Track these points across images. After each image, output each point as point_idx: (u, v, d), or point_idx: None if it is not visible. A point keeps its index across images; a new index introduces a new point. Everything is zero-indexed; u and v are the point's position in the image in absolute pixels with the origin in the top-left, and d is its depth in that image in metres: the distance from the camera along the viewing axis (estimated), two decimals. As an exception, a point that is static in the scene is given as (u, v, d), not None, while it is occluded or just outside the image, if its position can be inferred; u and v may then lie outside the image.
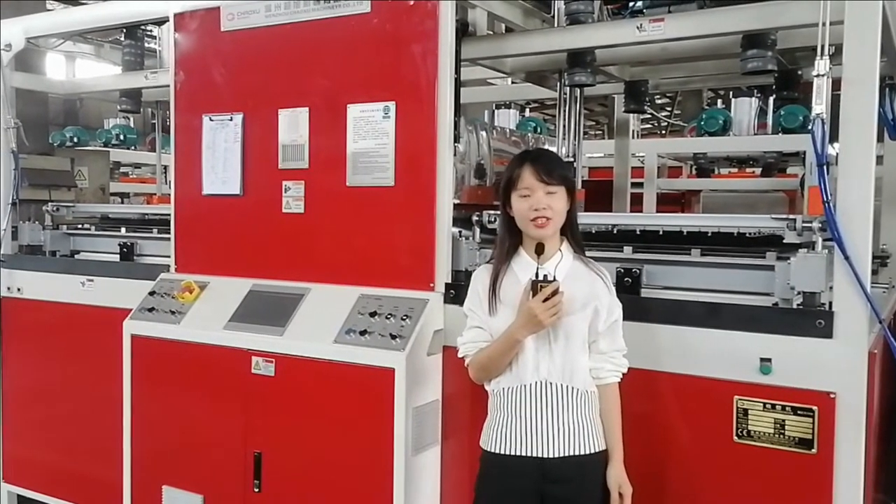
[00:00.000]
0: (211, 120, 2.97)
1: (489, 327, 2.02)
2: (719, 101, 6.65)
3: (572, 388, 1.96)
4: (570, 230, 2.04)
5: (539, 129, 5.63)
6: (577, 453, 1.94)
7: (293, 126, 2.77)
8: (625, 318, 2.23)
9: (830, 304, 2.07)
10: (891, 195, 3.43)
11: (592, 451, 1.97)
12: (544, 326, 1.90)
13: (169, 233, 3.14)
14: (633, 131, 5.34)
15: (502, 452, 1.98)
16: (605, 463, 2.00)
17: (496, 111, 5.97)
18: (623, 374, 2.05)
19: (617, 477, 1.99)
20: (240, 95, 2.92)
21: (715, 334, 2.17)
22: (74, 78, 9.25)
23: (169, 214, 3.14)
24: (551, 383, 1.96)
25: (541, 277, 1.89)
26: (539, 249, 1.94)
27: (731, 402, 2.13)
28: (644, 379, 2.26)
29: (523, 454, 1.95)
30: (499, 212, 2.12)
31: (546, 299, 1.86)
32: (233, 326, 2.73)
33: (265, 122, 2.83)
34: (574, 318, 1.95)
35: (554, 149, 3.69)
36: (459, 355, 2.12)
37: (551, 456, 1.94)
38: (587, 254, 2.10)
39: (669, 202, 6.84)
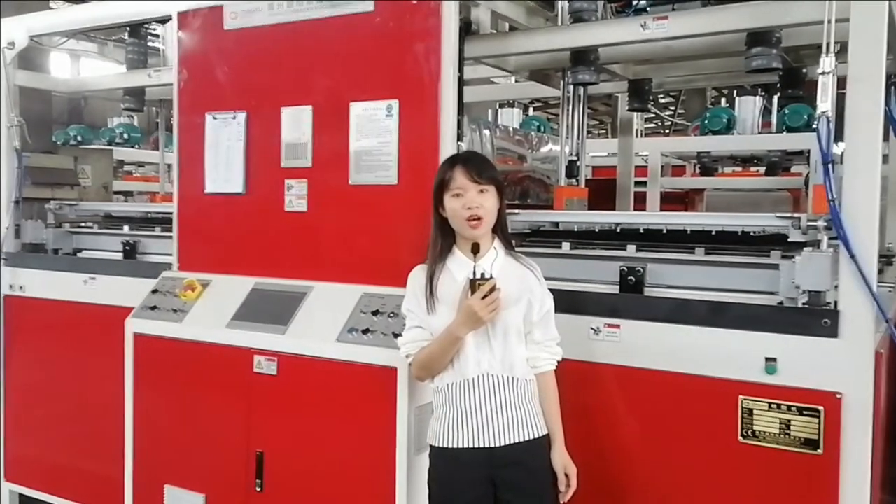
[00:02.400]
0: (214, 118, 2.97)
1: (429, 326, 2.09)
2: (723, 100, 6.62)
3: (513, 378, 2.05)
4: (500, 228, 2.14)
5: (542, 128, 5.62)
6: (522, 439, 2.03)
7: (296, 124, 2.76)
8: (629, 316, 2.22)
9: (836, 303, 2.05)
10: (896, 194, 3.41)
11: (537, 436, 2.06)
12: (484, 323, 1.99)
13: (171, 231, 3.14)
14: (636, 130, 5.32)
15: (452, 446, 2.04)
16: (548, 446, 2.08)
17: (499, 110, 5.96)
18: (558, 362, 2.13)
19: (561, 459, 2.09)
20: (243, 94, 2.91)
21: (719, 333, 2.16)
22: (78, 76, 9.28)
23: (171, 213, 3.13)
24: (493, 375, 2.05)
25: (478, 276, 1.97)
26: (475, 249, 2.02)
27: (735, 401, 2.12)
28: (648, 378, 2.25)
29: (472, 446, 2.02)
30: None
31: (484, 296, 1.94)
32: (235, 325, 2.73)
33: (268, 120, 2.83)
34: (510, 312, 2.04)
35: (558, 147, 3.68)
36: (401, 355, 2.18)
37: (499, 444, 2.01)
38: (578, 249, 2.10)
39: (673, 201, 6.81)
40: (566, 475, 2.08)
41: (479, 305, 1.94)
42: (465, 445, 2.03)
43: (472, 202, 2.03)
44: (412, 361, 2.13)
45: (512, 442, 2.02)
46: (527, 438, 2.03)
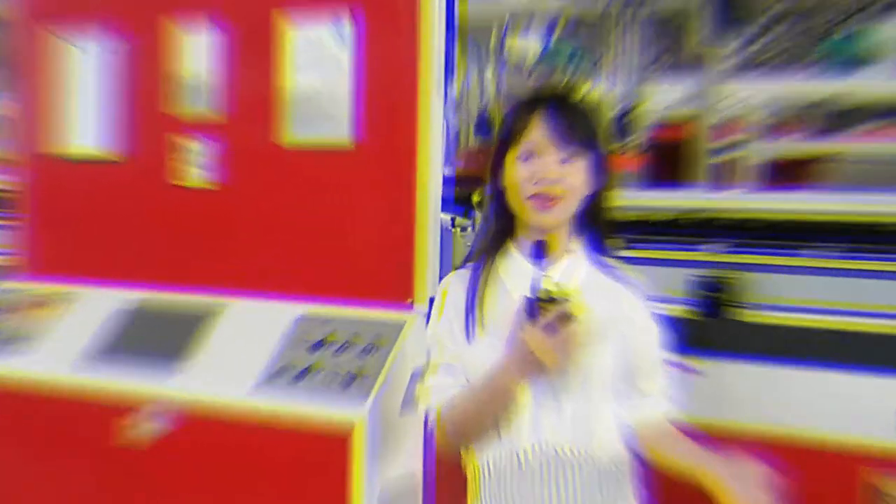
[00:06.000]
0: (67, 43, 2.97)
1: (464, 362, 1.96)
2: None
3: (591, 458, 1.90)
4: (591, 220, 1.98)
5: (576, 60, 5.64)
6: None
7: (194, 52, 2.78)
8: (705, 349, 2.22)
9: None
10: None
11: None
12: (548, 371, 1.81)
13: (8, 216, 3.15)
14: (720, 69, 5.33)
15: None
16: None
17: (511, 33, 5.99)
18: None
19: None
20: (110, 3, 2.92)
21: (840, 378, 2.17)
22: None
23: (10, 190, 3.14)
24: (559, 451, 1.90)
25: (542, 294, 1.78)
26: (541, 248, 1.86)
27: (854, 475, 2.15)
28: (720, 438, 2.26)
29: None
30: None
31: (551, 326, 1.77)
32: (106, 361, 2.73)
33: (150, 45, 2.85)
34: (594, 354, 1.86)
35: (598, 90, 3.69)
36: (422, 408, 2.03)
37: None
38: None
39: (776, 176, 6.87)
40: None
41: (539, 342, 1.76)
42: None
43: (547, 172, 1.86)
44: (442, 417, 1.95)
45: None
46: None
